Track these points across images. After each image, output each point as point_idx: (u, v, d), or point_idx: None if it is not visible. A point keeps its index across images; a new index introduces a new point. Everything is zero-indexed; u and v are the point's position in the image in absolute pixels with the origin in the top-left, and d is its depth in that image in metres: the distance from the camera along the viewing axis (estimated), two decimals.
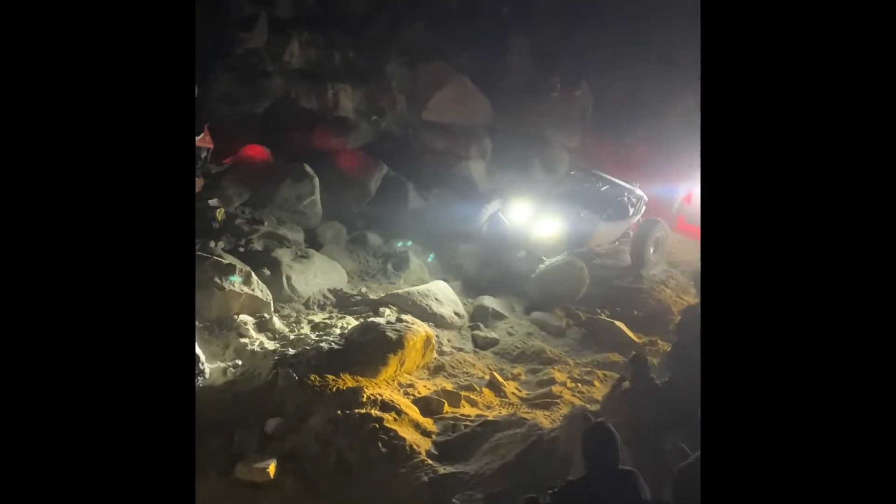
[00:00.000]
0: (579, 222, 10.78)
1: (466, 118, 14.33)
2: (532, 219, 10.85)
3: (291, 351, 7.46)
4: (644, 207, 11.74)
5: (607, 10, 15.46)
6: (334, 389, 6.87)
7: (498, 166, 14.09)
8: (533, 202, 11.08)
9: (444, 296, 9.47)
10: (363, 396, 6.74)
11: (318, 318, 8.70)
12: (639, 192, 11.66)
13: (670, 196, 12.61)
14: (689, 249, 12.07)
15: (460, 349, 8.73)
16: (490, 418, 6.88)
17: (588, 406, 6.97)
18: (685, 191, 12.08)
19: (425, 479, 6.01)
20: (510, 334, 9.38)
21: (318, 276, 9.59)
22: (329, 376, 7.00)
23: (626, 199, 11.42)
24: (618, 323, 9.64)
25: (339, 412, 6.57)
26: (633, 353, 6.68)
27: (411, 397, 7.20)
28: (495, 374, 8.08)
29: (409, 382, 7.49)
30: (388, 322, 7.79)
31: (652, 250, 11.35)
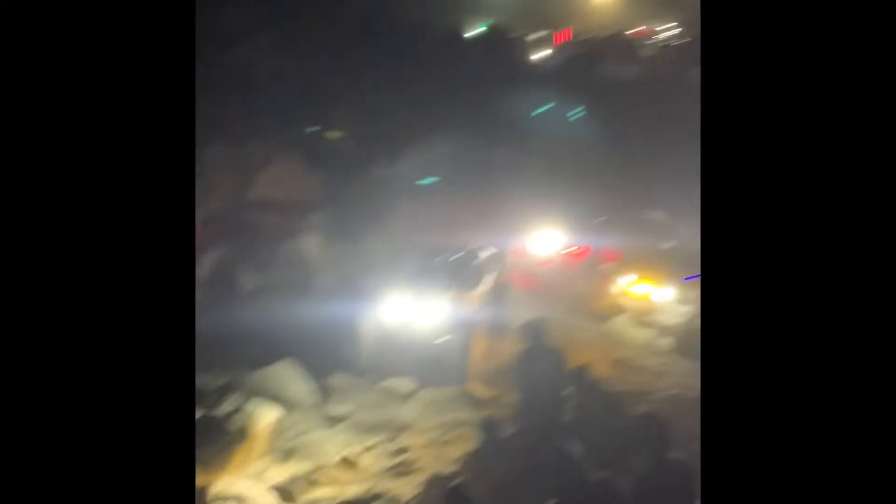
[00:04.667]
0: (454, 301, 10.49)
1: (295, 194, 14.23)
2: (410, 311, 10.33)
3: None
4: (499, 261, 11.83)
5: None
6: None
7: (333, 239, 13.99)
8: (406, 293, 10.48)
9: (292, 374, 9.17)
10: (207, 496, 6.33)
11: None
12: (490, 248, 11.76)
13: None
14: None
15: (311, 429, 8.43)
16: (348, 497, 6.70)
17: (445, 467, 6.95)
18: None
19: None
20: (361, 406, 9.19)
21: None
22: None
23: (479, 258, 11.47)
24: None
25: None
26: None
27: (265, 485, 6.89)
28: (349, 449, 7.88)
29: (260, 470, 7.16)
30: (227, 414, 7.44)
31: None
